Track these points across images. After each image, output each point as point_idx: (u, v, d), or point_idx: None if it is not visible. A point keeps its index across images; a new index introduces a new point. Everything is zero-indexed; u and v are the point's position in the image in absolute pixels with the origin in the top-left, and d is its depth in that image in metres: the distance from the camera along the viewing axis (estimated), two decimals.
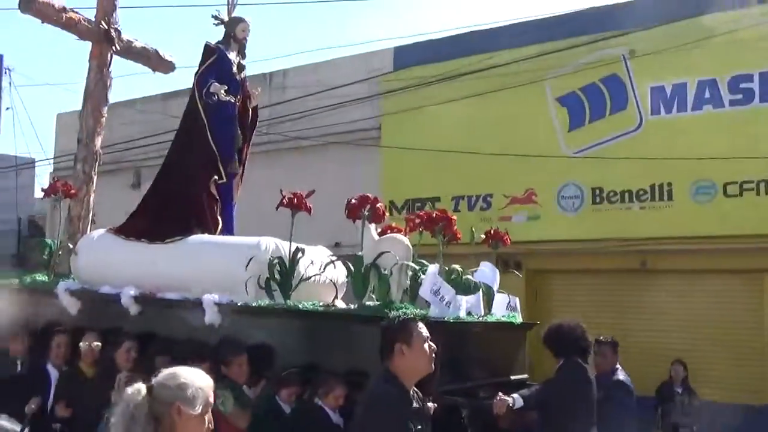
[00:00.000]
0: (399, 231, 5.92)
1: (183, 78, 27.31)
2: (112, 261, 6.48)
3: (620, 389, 5.96)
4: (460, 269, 5.66)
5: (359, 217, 5.42)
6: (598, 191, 11.45)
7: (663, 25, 10.85)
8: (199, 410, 2.58)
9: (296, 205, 5.69)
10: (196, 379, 2.65)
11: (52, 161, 19.54)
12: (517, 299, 6.21)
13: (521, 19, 12.86)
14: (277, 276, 5.55)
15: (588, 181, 11.51)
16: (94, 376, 5.77)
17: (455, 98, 12.19)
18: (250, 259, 5.52)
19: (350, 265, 5.48)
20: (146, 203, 6.93)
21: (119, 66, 9.96)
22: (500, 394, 4.98)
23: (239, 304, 5.54)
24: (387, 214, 5.71)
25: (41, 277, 7.24)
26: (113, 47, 8.25)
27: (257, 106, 7.32)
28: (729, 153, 10.03)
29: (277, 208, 5.79)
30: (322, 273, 5.72)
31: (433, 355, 3.80)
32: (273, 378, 5.25)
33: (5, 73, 18.23)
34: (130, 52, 8.59)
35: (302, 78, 14.42)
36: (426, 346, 3.77)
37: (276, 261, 5.58)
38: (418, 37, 13.89)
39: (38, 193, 21.30)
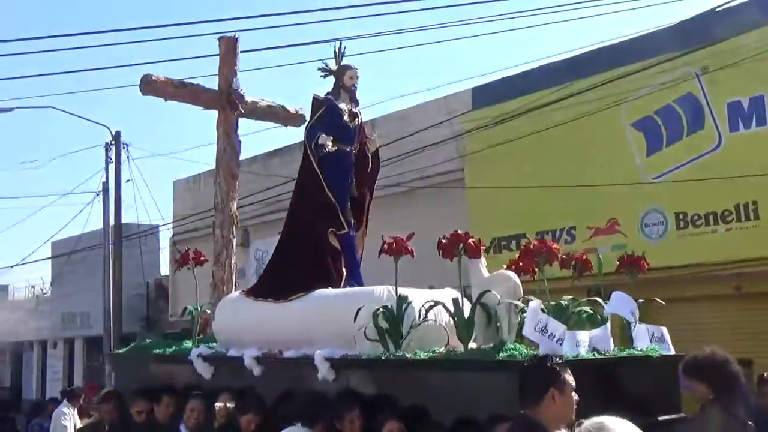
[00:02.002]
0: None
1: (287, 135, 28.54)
2: (243, 322, 6.62)
3: None
4: (565, 301, 5.32)
5: (454, 255, 5.30)
6: (681, 216, 11.29)
7: (734, 38, 10.70)
8: None
9: (397, 249, 5.56)
10: (619, 428, 2.61)
11: (171, 226, 21.00)
12: (664, 329, 5.69)
13: (589, 47, 13.01)
14: (383, 325, 5.40)
15: (670, 206, 11.35)
16: None
17: (532, 132, 12.36)
18: (359, 310, 5.38)
19: (450, 307, 5.33)
20: (273, 261, 6.98)
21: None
22: None
23: (348, 357, 5.49)
24: (483, 248, 5.55)
25: (186, 344, 7.39)
26: (238, 111, 8.37)
27: (377, 151, 7.20)
28: None
29: (379, 255, 5.71)
30: (428, 319, 5.47)
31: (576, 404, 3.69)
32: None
33: (123, 148, 19.40)
34: (256, 112, 8.70)
35: (387, 126, 14.93)
36: (574, 393, 3.69)
37: (381, 310, 5.40)
38: (494, 75, 14.01)
39: (163, 258, 22.98)
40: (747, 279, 10.56)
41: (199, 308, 7.63)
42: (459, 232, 5.40)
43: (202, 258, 7.79)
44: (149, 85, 7.95)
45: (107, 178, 19.54)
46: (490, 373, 4.67)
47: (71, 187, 68.59)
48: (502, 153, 12.95)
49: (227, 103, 8.25)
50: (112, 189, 19.34)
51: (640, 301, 5.60)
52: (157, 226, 21.95)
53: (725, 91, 10.99)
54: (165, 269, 22.61)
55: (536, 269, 5.39)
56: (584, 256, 6.01)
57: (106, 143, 19.57)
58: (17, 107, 18.66)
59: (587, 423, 2.60)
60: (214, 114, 8.47)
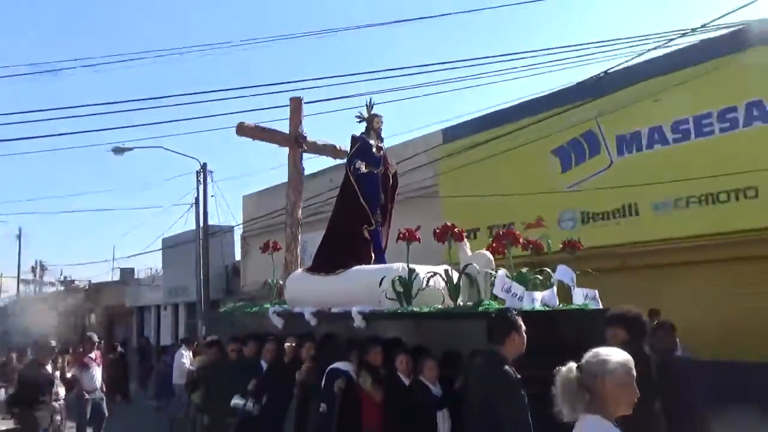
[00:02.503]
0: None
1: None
2: (304, 289, 6.70)
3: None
4: (522, 271, 5.27)
5: (445, 240, 5.37)
6: (585, 213, 11.30)
7: (619, 91, 10.71)
8: (619, 380, 2.37)
9: (409, 237, 5.67)
10: (614, 355, 2.44)
11: (241, 226, 21.11)
12: (596, 291, 5.67)
13: (525, 98, 13.00)
14: (399, 288, 5.42)
15: (578, 207, 11.37)
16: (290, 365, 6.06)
17: (485, 158, 12.39)
18: (382, 279, 5.50)
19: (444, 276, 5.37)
20: (322, 248, 6.91)
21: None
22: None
23: (375, 311, 5.53)
24: (465, 235, 5.54)
25: (265, 305, 7.42)
26: (302, 148, 8.41)
27: (396, 173, 7.21)
28: (677, 177, 9.80)
29: (396, 241, 5.87)
30: (430, 285, 5.42)
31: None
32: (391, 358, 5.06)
33: (209, 173, 19.46)
34: (316, 149, 8.63)
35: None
36: (524, 335, 3.69)
37: (397, 278, 5.46)
38: (459, 119, 14.01)
39: (236, 248, 23.00)
40: (631, 257, 10.57)
41: (275, 281, 7.76)
42: (448, 224, 5.46)
43: (279, 247, 7.90)
44: (242, 129, 7.99)
45: (198, 194, 19.63)
46: (471, 321, 4.68)
47: (174, 201, 69.47)
48: (464, 173, 12.99)
49: (295, 142, 8.29)
50: (201, 202, 19.44)
51: (578, 272, 5.60)
52: (232, 227, 22.08)
53: (614, 128, 10.99)
54: (238, 256, 22.64)
55: (505, 250, 5.35)
56: (538, 241, 5.93)
57: (197, 170, 19.66)
58: (136, 147, 18.76)
59: (586, 355, 2.44)
60: (277, 148, 8.56)
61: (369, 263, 6.45)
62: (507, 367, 3.51)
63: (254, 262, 20.20)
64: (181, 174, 58.66)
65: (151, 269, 29.11)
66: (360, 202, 6.60)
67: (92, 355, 9.95)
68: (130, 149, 18.54)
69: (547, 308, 4.97)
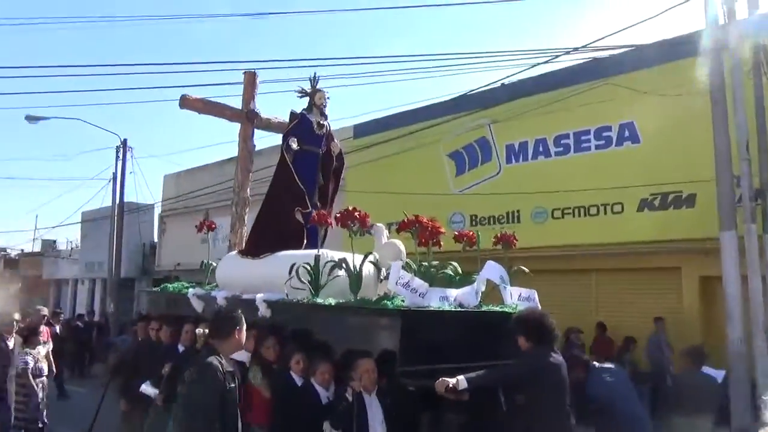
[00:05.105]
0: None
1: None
2: (232, 272, 6.27)
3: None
4: (431, 264, 4.71)
5: (347, 225, 4.81)
6: (474, 216, 11.66)
7: (512, 102, 11.06)
8: None
9: (320, 220, 5.20)
10: None
11: (160, 205, 20.77)
12: (534, 291, 5.07)
13: (423, 102, 13.26)
14: (306, 277, 4.89)
15: (468, 211, 11.72)
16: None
17: (388, 155, 12.65)
18: (292, 266, 4.93)
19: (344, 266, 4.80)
20: (254, 229, 6.49)
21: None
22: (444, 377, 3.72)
23: (278, 300, 5.03)
24: (369, 220, 4.95)
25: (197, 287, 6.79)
26: (254, 125, 7.88)
27: (341, 152, 6.73)
28: (557, 188, 10.23)
29: (305, 222, 5.61)
30: (339, 275, 4.83)
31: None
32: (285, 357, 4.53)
33: (129, 149, 19.09)
34: (270, 126, 8.07)
35: None
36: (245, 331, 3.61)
37: (302, 266, 4.91)
38: (368, 116, 14.15)
39: (155, 227, 22.59)
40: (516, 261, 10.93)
41: (209, 262, 7.13)
42: (350, 208, 4.89)
43: (214, 227, 7.38)
44: (186, 102, 7.43)
45: (116, 169, 19.22)
46: (367, 318, 4.31)
47: (92, 175, 67.46)
48: (368, 168, 13.17)
49: (246, 118, 7.81)
50: (119, 178, 19.06)
51: (514, 269, 5.14)
52: (151, 205, 21.64)
53: (505, 137, 11.37)
54: (155, 235, 22.26)
55: (438, 241, 4.79)
56: (471, 233, 5.47)
57: (117, 146, 19.22)
58: (53, 117, 18.16)
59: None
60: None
61: (301, 248, 5.89)
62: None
63: (170, 242, 19.96)
64: (101, 148, 56.62)
65: (70, 242, 28.30)
66: (294, 182, 6.10)
67: (40, 329, 8.65)
68: (46, 118, 17.95)
69: (459, 308, 4.44)
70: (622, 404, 4.43)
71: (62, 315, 18.89)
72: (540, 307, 4.78)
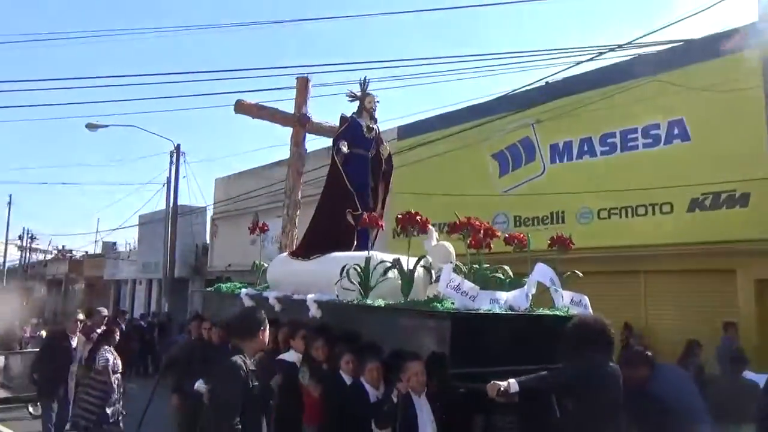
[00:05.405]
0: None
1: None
2: (283, 273, 6.34)
3: None
4: (483, 267, 4.64)
5: (407, 230, 4.77)
6: (518, 217, 11.54)
7: (555, 101, 10.90)
8: None
9: (371, 222, 5.21)
10: None
11: (212, 207, 21.37)
12: (586, 297, 4.94)
13: (464, 102, 13.22)
14: (356, 279, 4.89)
15: (512, 211, 11.61)
16: None
17: (433, 156, 12.64)
18: (342, 268, 4.92)
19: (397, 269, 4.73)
20: (307, 231, 6.54)
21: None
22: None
23: (329, 301, 5.05)
24: (429, 223, 4.90)
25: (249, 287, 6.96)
26: (306, 129, 7.85)
27: (390, 155, 6.74)
28: (603, 188, 10.02)
29: (356, 224, 5.64)
30: (389, 277, 4.82)
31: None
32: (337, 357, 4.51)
33: (182, 154, 19.66)
34: (321, 130, 8.02)
35: None
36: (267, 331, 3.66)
37: (353, 267, 4.89)
38: (413, 117, 14.19)
39: (206, 228, 23.23)
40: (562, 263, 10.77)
41: (260, 263, 7.26)
42: (411, 212, 4.84)
43: (266, 228, 7.59)
44: (241, 107, 7.45)
45: (170, 174, 19.80)
46: (416, 320, 4.28)
47: (148, 179, 69.86)
48: (412, 170, 13.19)
49: (298, 123, 7.78)
50: (173, 182, 19.63)
51: (567, 273, 4.98)
52: (205, 207, 22.28)
53: (549, 137, 11.21)
54: (207, 237, 22.88)
55: (490, 244, 4.69)
56: (522, 236, 5.35)
57: (171, 151, 19.83)
58: (112, 124, 18.96)
59: None
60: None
61: (351, 250, 5.89)
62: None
63: (222, 244, 20.52)
64: (156, 153, 58.61)
65: (129, 244, 29.45)
66: (344, 185, 6.12)
67: (100, 330, 8.98)
68: (105, 126, 18.74)
69: (510, 311, 4.35)
70: (690, 407, 4.15)
71: (127, 315, 19.77)
72: (591, 312, 4.67)
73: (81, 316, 8.37)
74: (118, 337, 8.89)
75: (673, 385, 4.31)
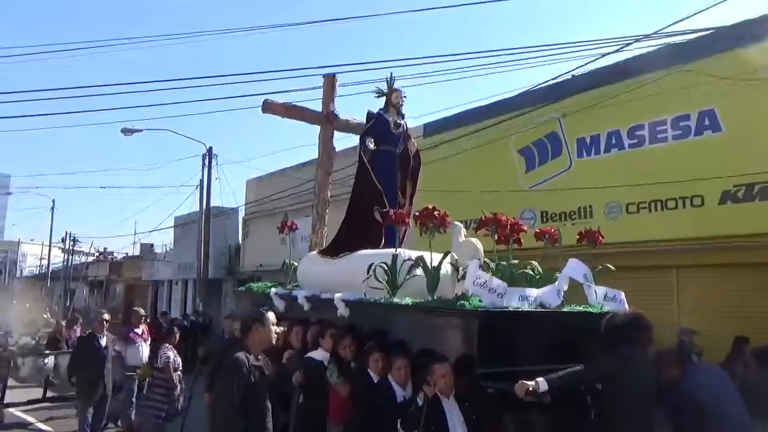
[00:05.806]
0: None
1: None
2: (312, 272, 6.37)
3: None
4: (511, 263, 4.56)
5: (426, 226, 4.70)
6: (545, 213, 11.38)
7: (581, 94, 10.72)
8: None
9: (398, 220, 5.21)
10: None
11: (244, 208, 21.64)
12: (621, 292, 4.84)
13: (490, 98, 13.08)
14: (383, 277, 4.86)
15: (539, 206, 11.44)
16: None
17: (460, 152, 12.55)
18: (370, 265, 4.90)
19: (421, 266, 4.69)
20: (339, 229, 6.49)
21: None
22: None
23: (357, 300, 5.03)
24: (449, 219, 4.81)
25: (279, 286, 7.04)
26: (333, 127, 7.81)
27: (418, 151, 6.74)
28: (632, 181, 9.82)
29: (385, 223, 5.56)
30: (417, 274, 4.78)
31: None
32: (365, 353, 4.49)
33: (214, 157, 20.00)
34: (349, 128, 7.95)
35: None
36: (273, 327, 3.81)
37: (379, 265, 4.84)
38: (438, 114, 14.10)
39: (239, 229, 23.53)
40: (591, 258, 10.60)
41: (290, 261, 7.30)
42: (429, 207, 4.77)
43: (295, 227, 7.63)
44: (268, 107, 7.44)
45: (203, 176, 20.21)
46: (442, 318, 4.25)
47: (181, 182, 71.49)
48: (438, 166, 13.12)
49: (326, 120, 7.77)
50: (205, 184, 20.00)
51: (599, 267, 4.90)
52: (235, 209, 22.62)
53: (575, 130, 11.02)
54: (240, 237, 23.17)
55: (517, 240, 4.68)
56: (553, 230, 5.33)
57: (203, 154, 20.23)
58: (146, 129, 19.44)
59: None
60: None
61: (378, 248, 5.81)
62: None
63: (253, 244, 20.79)
64: (189, 156, 60.13)
65: (165, 245, 30.08)
66: (372, 182, 6.06)
67: (138, 330, 9.29)
68: (139, 131, 19.21)
69: (540, 308, 4.25)
70: (726, 406, 4.06)
71: (168, 315, 20.25)
72: (627, 308, 4.55)
73: (107, 317, 8.68)
74: (145, 337, 9.25)
75: (708, 385, 4.22)
